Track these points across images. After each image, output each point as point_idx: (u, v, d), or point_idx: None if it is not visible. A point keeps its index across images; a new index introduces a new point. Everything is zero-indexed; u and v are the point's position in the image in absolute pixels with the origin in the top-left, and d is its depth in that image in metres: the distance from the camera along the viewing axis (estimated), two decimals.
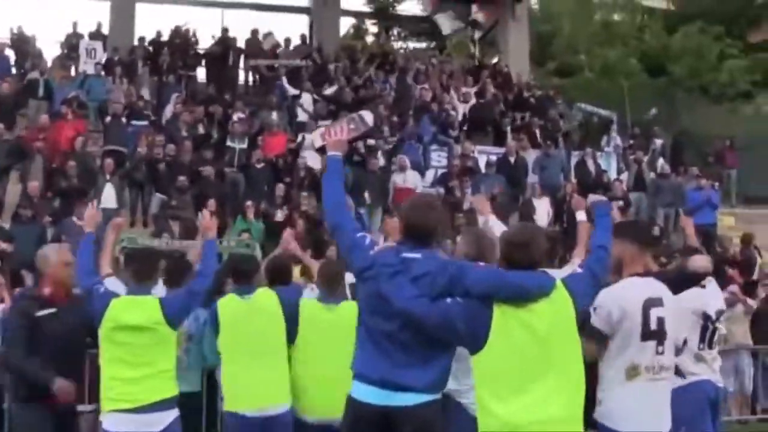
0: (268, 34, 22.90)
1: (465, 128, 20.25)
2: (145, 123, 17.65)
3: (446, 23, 29.36)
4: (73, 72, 20.37)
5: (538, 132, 20.29)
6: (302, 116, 18.91)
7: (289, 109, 19.25)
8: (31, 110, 17.93)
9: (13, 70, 19.87)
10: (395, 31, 35.03)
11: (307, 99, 19.22)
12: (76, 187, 14.41)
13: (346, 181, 16.79)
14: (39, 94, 18.41)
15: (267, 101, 19.02)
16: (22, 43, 20.88)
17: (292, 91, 19.58)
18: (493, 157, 18.89)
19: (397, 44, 32.79)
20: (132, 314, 5.20)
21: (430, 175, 18.62)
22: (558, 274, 4.30)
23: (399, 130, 19.02)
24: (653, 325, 4.51)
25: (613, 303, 4.50)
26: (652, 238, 5.17)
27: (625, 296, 4.54)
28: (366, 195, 16.50)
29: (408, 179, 17.33)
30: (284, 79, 20.08)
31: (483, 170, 18.17)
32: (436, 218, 4.25)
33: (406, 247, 4.23)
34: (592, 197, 4.86)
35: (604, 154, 20.48)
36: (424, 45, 34.21)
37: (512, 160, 18.55)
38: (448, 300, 3.99)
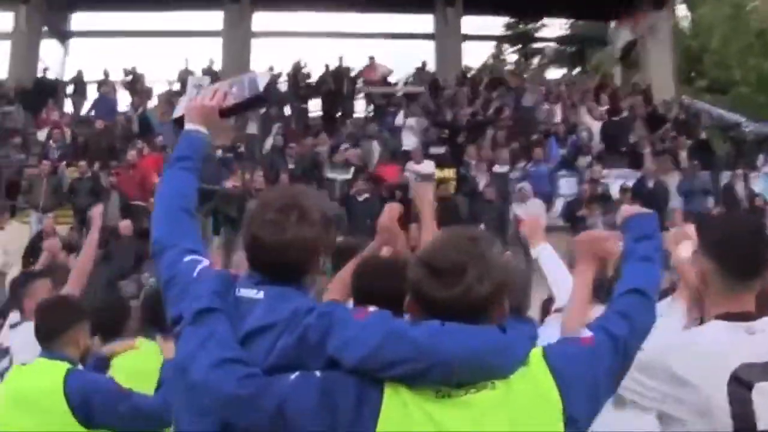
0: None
1: (597, 152, 18.19)
2: (240, 157, 16.54)
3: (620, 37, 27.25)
4: None
5: (684, 153, 18.02)
6: (408, 144, 17.37)
7: (396, 137, 17.78)
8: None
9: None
10: (535, 60, 33.32)
11: (419, 126, 17.68)
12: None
13: (459, 211, 15.59)
14: (134, 130, 17.70)
15: (372, 130, 17.66)
16: (133, 82, 20.55)
17: (402, 119, 18.09)
18: (630, 182, 16.77)
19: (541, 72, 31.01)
20: None
21: (558, 204, 16.71)
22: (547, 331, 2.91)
23: (521, 155, 17.21)
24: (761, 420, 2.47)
25: (677, 365, 2.53)
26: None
27: (702, 356, 2.54)
28: (481, 228, 14.78)
29: (530, 209, 15.52)
30: (400, 108, 18.74)
31: (616, 196, 16.06)
32: (305, 236, 2.35)
33: (248, 281, 2.42)
34: (628, 208, 2.84)
35: (761, 175, 17.94)
36: (564, 71, 32.28)
37: (650, 184, 16.35)
38: (293, 376, 2.11)
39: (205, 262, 2.49)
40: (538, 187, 16.04)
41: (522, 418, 2.03)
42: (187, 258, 2.49)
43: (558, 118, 18.89)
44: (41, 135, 17.91)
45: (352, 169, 15.74)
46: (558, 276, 3.88)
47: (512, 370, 2.08)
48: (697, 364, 2.50)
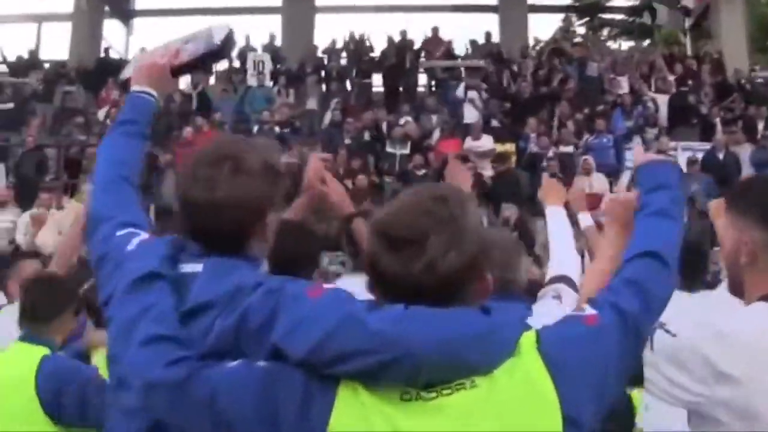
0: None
1: (665, 123, 17.55)
2: (297, 133, 16.35)
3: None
4: None
5: (761, 125, 17.28)
6: (470, 117, 16.95)
7: (457, 110, 17.39)
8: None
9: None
10: (605, 31, 32.38)
11: (480, 99, 17.25)
12: None
13: (519, 185, 15.16)
14: (192, 107, 17.66)
15: (432, 104, 17.30)
16: None
17: (462, 91, 17.67)
18: (699, 154, 16.14)
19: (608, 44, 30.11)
20: None
21: (625, 177, 16.17)
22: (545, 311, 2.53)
23: (585, 127, 16.69)
24: None
25: (717, 357, 2.06)
26: None
27: (748, 346, 2.07)
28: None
29: (594, 184, 15.04)
30: (461, 81, 18.31)
31: (684, 169, 15.45)
32: (241, 192, 1.99)
33: (189, 255, 2.04)
34: (640, 153, 2.43)
35: None
36: (633, 44, 31.33)
37: (721, 156, 15.72)
38: (232, 364, 1.77)
39: (144, 236, 2.15)
40: (603, 160, 15.54)
41: (509, 424, 1.64)
42: (122, 231, 2.16)
43: (624, 89, 18.28)
44: (102, 114, 17.95)
45: (408, 144, 15.44)
46: (559, 242, 3.52)
47: (497, 362, 1.67)
48: (742, 356, 2.03)
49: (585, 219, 4.34)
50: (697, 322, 2.12)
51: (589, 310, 1.86)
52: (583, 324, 1.82)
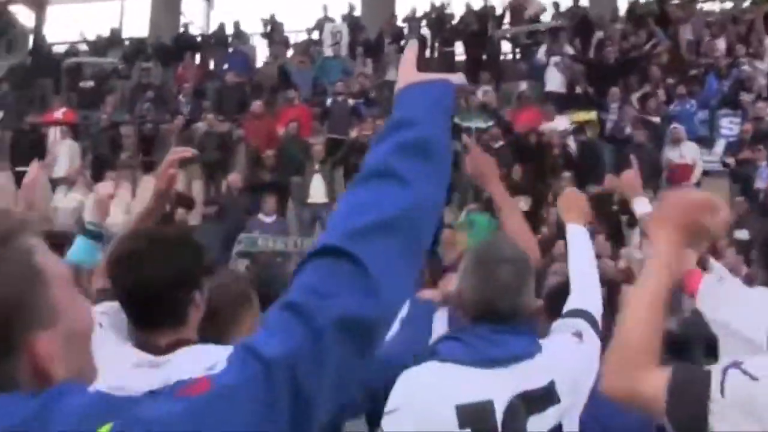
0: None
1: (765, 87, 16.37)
2: (373, 105, 15.80)
3: None
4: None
5: None
6: (553, 85, 16.13)
7: (541, 77, 16.59)
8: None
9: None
10: None
11: (564, 64, 16.38)
12: (271, 181, 12.78)
13: (601, 157, 14.30)
14: (271, 83, 17.32)
15: (517, 70, 16.53)
16: (271, 32, 20.20)
17: (544, 55, 16.85)
18: None
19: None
20: None
21: (719, 146, 15.17)
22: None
23: (676, 93, 15.71)
24: None
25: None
26: None
27: None
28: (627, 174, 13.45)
29: (685, 153, 14.15)
30: (543, 47, 17.46)
31: None
32: None
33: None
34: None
35: None
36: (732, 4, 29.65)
37: None
38: None
39: None
40: (688, 128, 14.60)
41: None
42: None
43: (721, 51, 17.17)
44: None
45: (487, 116, 14.72)
46: (581, 270, 2.90)
47: None
48: None
49: (641, 204, 3.72)
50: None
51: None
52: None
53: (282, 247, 9.54)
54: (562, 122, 14.63)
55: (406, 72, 1.50)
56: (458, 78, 1.57)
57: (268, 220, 12.12)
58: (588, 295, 2.79)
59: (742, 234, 12.01)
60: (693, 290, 3.45)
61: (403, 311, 2.59)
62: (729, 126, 15.37)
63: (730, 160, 14.17)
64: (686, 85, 15.73)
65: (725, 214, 1.82)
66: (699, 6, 20.89)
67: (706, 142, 14.92)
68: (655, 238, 1.86)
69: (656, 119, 14.94)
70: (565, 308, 2.76)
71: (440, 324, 3.02)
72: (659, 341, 1.73)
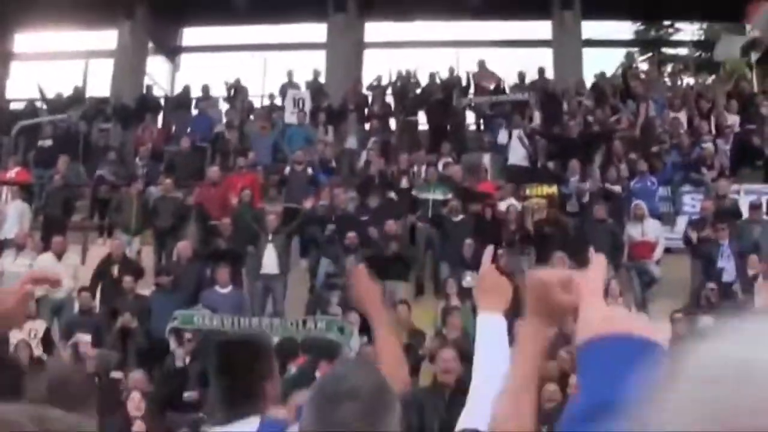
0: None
1: (726, 164, 16.32)
2: (331, 173, 15.58)
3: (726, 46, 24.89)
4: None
5: None
6: (515, 159, 15.99)
7: (502, 151, 16.46)
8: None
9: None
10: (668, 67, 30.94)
11: (525, 137, 16.28)
12: (225, 250, 12.44)
13: (566, 231, 14.08)
14: (230, 147, 17.08)
15: (480, 141, 16.42)
16: (235, 96, 20.04)
17: (506, 135, 16.74)
18: (764, 198, 14.96)
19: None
20: None
21: (681, 222, 15.04)
22: None
23: (638, 170, 15.60)
24: None
25: None
26: None
27: None
28: (591, 251, 13.27)
29: (647, 230, 13.99)
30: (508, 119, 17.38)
31: (746, 215, 14.28)
32: None
33: None
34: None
35: None
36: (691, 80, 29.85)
37: None
38: None
39: None
40: (654, 205, 14.49)
41: None
42: None
43: (683, 126, 17.16)
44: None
45: (446, 189, 14.48)
46: (484, 375, 2.32)
47: None
48: None
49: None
50: None
51: None
52: None
53: (218, 326, 9.18)
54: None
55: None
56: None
57: (224, 291, 11.74)
58: (483, 408, 2.13)
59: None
60: None
61: None
62: (691, 203, 15.30)
63: (693, 235, 13.92)
64: (647, 159, 15.64)
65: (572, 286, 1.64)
66: (663, 81, 20.97)
67: (668, 219, 14.80)
68: (519, 331, 1.80)
69: (617, 188, 14.82)
70: (457, 427, 2.32)
71: None
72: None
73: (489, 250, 2.55)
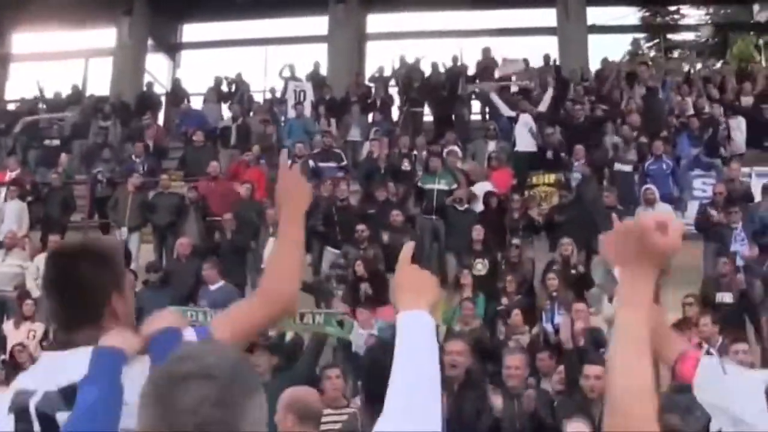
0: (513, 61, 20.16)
1: (737, 147, 15.97)
2: (336, 166, 15.29)
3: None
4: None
5: None
6: (523, 144, 15.66)
7: (509, 138, 16.14)
8: (223, 160, 16.27)
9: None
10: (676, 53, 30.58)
11: (530, 122, 15.95)
12: (227, 245, 12.16)
13: (565, 218, 13.69)
14: (231, 142, 16.77)
15: (480, 132, 16.11)
16: (236, 91, 19.83)
17: (508, 113, 16.42)
18: None
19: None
20: None
21: (692, 207, 14.68)
22: None
23: (648, 153, 15.26)
24: None
25: None
26: None
27: None
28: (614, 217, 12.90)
29: (658, 214, 13.62)
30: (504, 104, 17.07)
31: (758, 198, 13.93)
32: None
33: None
34: None
35: None
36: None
37: None
38: None
39: None
40: (663, 189, 14.14)
41: None
42: None
43: (691, 110, 16.81)
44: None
45: (451, 178, 14.16)
46: (402, 380, 1.89)
47: None
48: None
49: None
50: None
51: None
52: None
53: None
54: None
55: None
56: None
57: (214, 287, 11.43)
58: (406, 414, 1.85)
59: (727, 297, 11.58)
60: (687, 376, 2.89)
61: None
62: (702, 187, 14.97)
63: (713, 212, 13.51)
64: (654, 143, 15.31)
65: (676, 227, 1.84)
66: (670, 65, 20.67)
67: (678, 203, 14.48)
68: (621, 282, 1.85)
69: (628, 168, 14.50)
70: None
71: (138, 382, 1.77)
72: (655, 386, 1.73)
73: (409, 245, 2.16)
